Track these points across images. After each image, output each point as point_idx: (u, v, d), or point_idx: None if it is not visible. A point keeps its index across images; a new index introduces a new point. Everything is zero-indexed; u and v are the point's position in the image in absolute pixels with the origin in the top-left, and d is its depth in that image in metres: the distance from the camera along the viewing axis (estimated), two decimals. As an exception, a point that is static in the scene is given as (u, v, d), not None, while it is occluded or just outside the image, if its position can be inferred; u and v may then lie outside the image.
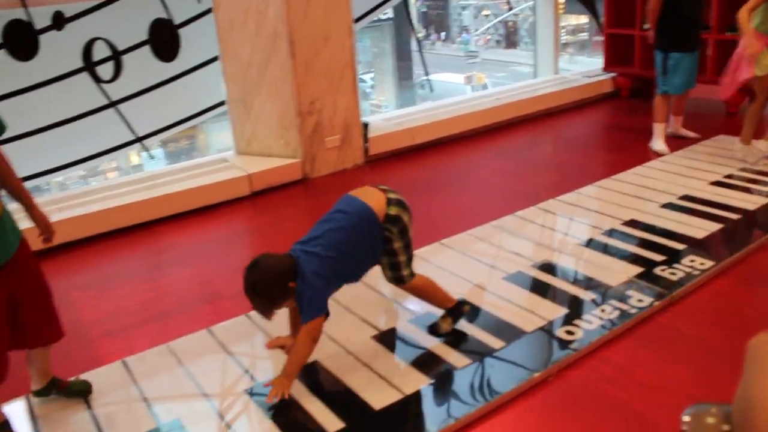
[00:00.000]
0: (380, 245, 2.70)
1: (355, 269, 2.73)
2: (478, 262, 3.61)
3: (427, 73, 6.36)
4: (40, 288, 2.47)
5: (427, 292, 2.93)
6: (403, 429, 2.40)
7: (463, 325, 3.00)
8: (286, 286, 2.50)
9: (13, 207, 2.41)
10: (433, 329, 2.96)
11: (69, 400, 2.69)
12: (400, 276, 2.78)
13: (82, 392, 2.71)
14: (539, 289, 3.30)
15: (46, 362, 2.60)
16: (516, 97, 6.62)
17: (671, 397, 2.49)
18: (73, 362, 2.98)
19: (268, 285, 2.49)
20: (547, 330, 2.93)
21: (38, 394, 2.66)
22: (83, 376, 2.86)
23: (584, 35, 19.23)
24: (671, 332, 2.95)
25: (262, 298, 2.51)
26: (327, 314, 2.59)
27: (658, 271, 3.38)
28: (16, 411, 2.67)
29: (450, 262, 3.61)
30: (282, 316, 2.71)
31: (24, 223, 2.45)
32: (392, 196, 2.73)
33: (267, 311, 2.55)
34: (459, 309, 2.98)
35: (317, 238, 2.61)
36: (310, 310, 2.53)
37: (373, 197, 2.71)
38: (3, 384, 2.39)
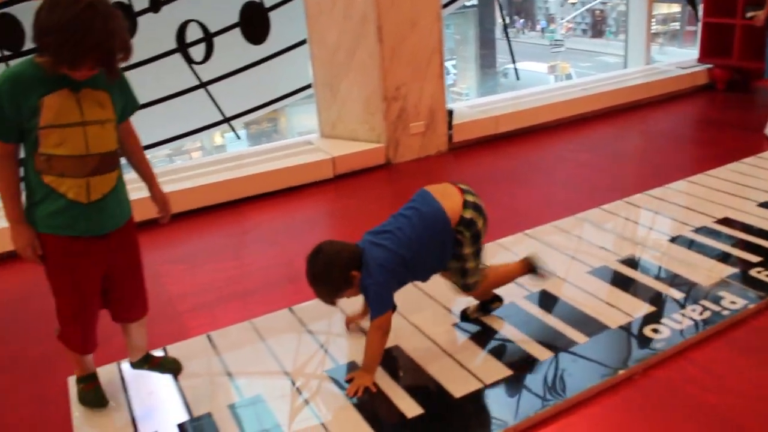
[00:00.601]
0: (450, 249, 2.65)
1: (421, 269, 2.67)
2: (561, 254, 3.55)
3: (513, 61, 6.24)
4: (137, 263, 2.56)
5: (495, 284, 2.91)
6: (482, 418, 2.39)
7: (546, 317, 2.96)
8: (349, 274, 2.49)
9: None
10: (464, 315, 2.99)
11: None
12: (467, 284, 2.73)
13: (172, 370, 2.79)
14: (624, 284, 3.21)
15: (140, 338, 2.70)
16: (604, 87, 6.44)
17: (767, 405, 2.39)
18: (161, 334, 3.09)
19: (331, 272, 2.49)
20: (631, 327, 2.85)
21: (132, 366, 2.77)
22: (170, 348, 2.97)
23: (676, 25, 18.57)
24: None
25: (324, 286, 2.53)
26: (394, 308, 2.58)
27: (753, 272, 3.24)
28: (109, 375, 2.79)
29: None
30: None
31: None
32: (470, 198, 2.67)
33: (329, 299, 2.57)
34: (489, 305, 2.99)
35: (388, 231, 2.58)
36: (377, 306, 2.52)
37: (450, 198, 2.65)
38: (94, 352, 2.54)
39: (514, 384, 2.55)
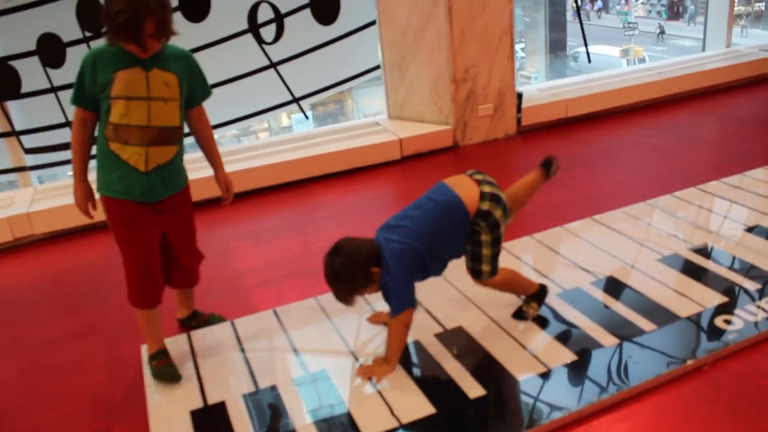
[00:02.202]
0: (466, 240, 2.61)
1: (438, 261, 2.62)
2: (630, 240, 3.48)
3: (585, 44, 6.10)
4: (190, 230, 2.78)
5: (509, 286, 2.83)
6: (543, 402, 2.37)
7: (612, 304, 2.91)
8: (369, 271, 2.46)
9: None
10: (519, 315, 2.88)
11: (227, 342, 2.88)
12: (479, 269, 2.65)
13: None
14: (695, 273, 3.12)
15: (189, 299, 2.98)
16: (681, 71, 6.22)
17: (843, 401, 2.31)
18: (229, 307, 3.18)
19: (352, 270, 2.45)
20: (702, 317, 2.78)
21: (181, 322, 3.02)
22: (237, 321, 3.05)
23: (761, 5, 17.75)
24: None
25: (344, 284, 2.47)
26: (414, 305, 2.53)
27: (834, 265, 3.11)
28: (179, 345, 2.89)
29: (601, 239, 3.50)
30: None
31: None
32: (486, 189, 2.59)
33: (348, 298, 2.51)
34: (542, 293, 2.89)
35: (402, 225, 2.54)
36: (397, 304, 2.49)
37: (466, 189, 2.60)
38: (157, 307, 2.70)
39: (577, 369, 2.52)
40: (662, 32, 20.46)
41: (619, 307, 2.89)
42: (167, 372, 2.69)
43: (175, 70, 2.47)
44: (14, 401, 2.77)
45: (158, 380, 2.69)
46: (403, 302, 2.49)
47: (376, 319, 2.94)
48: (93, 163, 2.55)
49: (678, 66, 6.42)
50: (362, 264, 2.45)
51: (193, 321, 3.04)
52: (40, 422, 2.62)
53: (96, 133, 2.52)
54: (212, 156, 2.79)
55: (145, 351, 2.84)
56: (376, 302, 2.98)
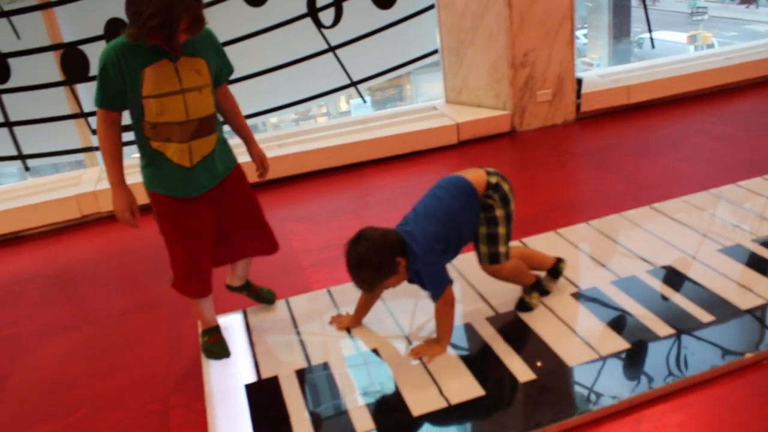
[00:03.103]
0: (478, 217, 2.61)
1: (456, 242, 2.63)
2: (690, 230, 3.39)
3: (650, 29, 5.94)
4: (251, 203, 2.71)
5: (523, 271, 2.81)
6: (594, 389, 2.36)
7: (669, 293, 2.86)
8: (394, 260, 2.45)
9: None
10: (523, 306, 2.85)
11: (281, 319, 2.94)
12: (496, 252, 2.64)
13: (267, 300, 3.06)
14: (759, 265, 3.03)
15: (245, 269, 2.92)
16: (751, 57, 6.00)
17: None
18: (285, 286, 3.24)
19: (378, 256, 2.43)
20: (765, 310, 2.70)
21: (231, 288, 2.99)
22: (292, 300, 3.11)
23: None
24: None
25: (369, 271, 2.44)
26: (451, 281, 2.56)
27: None
28: (234, 322, 2.97)
29: (659, 228, 3.43)
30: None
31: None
32: (491, 170, 2.67)
33: (371, 285, 2.50)
34: (558, 267, 2.91)
35: (416, 218, 2.57)
36: (436, 286, 2.50)
37: (471, 172, 2.67)
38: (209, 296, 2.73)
39: (630, 358, 2.49)
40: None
41: (676, 297, 2.83)
42: (217, 348, 2.77)
43: (202, 53, 2.35)
44: (78, 370, 2.89)
45: (208, 356, 2.77)
46: (440, 282, 2.51)
47: (337, 321, 2.91)
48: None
49: (747, 51, 6.20)
50: (389, 252, 2.45)
51: (245, 291, 3.00)
52: (101, 391, 2.73)
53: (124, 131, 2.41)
54: (244, 132, 2.69)
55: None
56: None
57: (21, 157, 4.79)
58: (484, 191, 2.61)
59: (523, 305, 2.84)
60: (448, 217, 2.56)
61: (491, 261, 2.67)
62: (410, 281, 2.59)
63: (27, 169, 4.81)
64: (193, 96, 2.34)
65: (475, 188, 2.60)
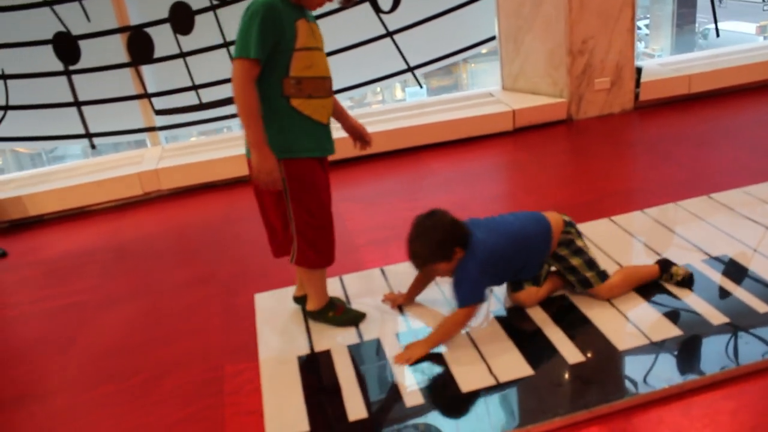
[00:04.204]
0: (542, 256, 2.69)
1: (517, 269, 2.69)
2: (750, 221, 3.33)
3: (715, 19, 5.80)
4: None
5: (630, 283, 2.80)
6: (644, 373, 2.35)
7: (725, 283, 2.82)
8: (453, 248, 2.47)
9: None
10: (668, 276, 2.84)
11: (335, 296, 2.99)
12: (584, 278, 2.71)
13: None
14: (821, 258, 2.97)
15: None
16: (821, 48, 5.83)
17: None
18: (338, 264, 3.27)
19: (439, 236, 2.45)
20: (824, 301, 2.65)
21: (298, 300, 2.96)
22: (345, 277, 3.17)
23: None
24: None
25: (425, 247, 2.46)
26: (483, 300, 2.57)
27: None
28: (286, 297, 3.04)
29: (717, 218, 3.38)
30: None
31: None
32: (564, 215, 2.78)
33: (423, 261, 2.50)
34: (668, 270, 2.84)
35: (490, 228, 2.60)
36: (469, 296, 2.52)
37: (549, 214, 2.74)
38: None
39: (683, 345, 2.47)
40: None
41: (732, 287, 2.79)
42: (352, 315, 2.83)
43: (315, 21, 2.44)
44: (138, 338, 3.02)
45: (346, 325, 2.79)
46: (475, 295, 2.53)
47: (390, 298, 2.94)
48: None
49: (817, 43, 6.00)
50: (452, 237, 2.47)
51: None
52: (158, 358, 2.84)
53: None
54: (338, 107, 2.70)
55: (260, 298, 3.01)
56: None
57: (88, 135, 4.97)
58: (563, 228, 2.70)
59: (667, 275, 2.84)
60: (519, 238, 2.62)
61: (584, 286, 2.74)
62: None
63: (93, 147, 4.99)
64: (324, 55, 2.42)
65: (550, 225, 2.67)
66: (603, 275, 2.74)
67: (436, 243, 2.47)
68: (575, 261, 2.71)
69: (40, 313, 3.36)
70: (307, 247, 2.58)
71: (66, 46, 4.74)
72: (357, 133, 2.78)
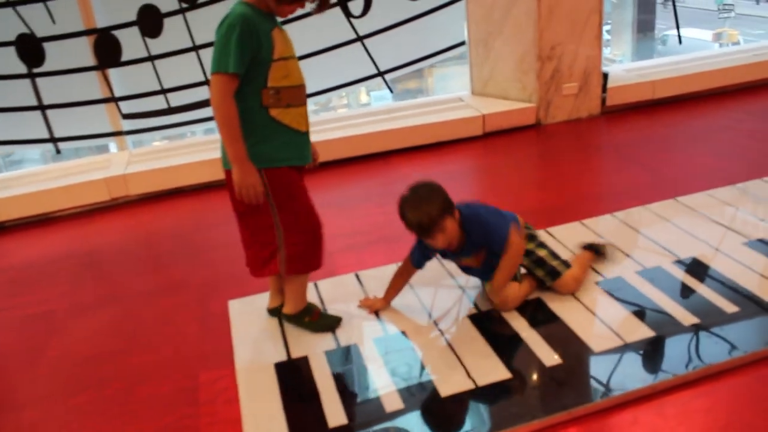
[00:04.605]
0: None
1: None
2: (715, 223, 3.41)
3: (677, 26, 5.91)
4: None
5: (585, 268, 2.98)
6: (621, 373, 2.39)
7: (694, 284, 2.88)
8: (453, 204, 2.57)
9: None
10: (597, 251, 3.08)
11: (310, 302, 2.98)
12: (553, 268, 2.82)
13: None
14: (785, 259, 3.06)
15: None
16: (779, 54, 5.99)
17: None
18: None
19: (440, 194, 2.54)
20: (790, 302, 2.73)
21: (272, 312, 2.94)
22: (320, 283, 3.16)
23: None
24: None
25: (436, 206, 2.50)
26: (515, 219, 2.80)
27: None
28: (262, 303, 3.02)
29: (684, 221, 3.45)
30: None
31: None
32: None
33: (432, 223, 2.50)
34: (598, 250, 3.08)
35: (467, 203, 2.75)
36: (501, 222, 2.69)
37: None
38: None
39: (655, 345, 2.52)
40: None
41: (701, 288, 2.86)
42: (328, 320, 2.83)
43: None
44: (111, 346, 2.97)
45: (322, 331, 2.79)
46: (504, 217, 2.73)
47: (366, 304, 2.97)
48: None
49: (776, 49, 6.17)
50: (445, 196, 2.56)
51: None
52: (132, 366, 2.80)
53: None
54: None
55: (233, 305, 2.99)
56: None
57: (53, 140, 4.88)
58: (525, 224, 2.87)
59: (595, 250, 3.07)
60: (492, 208, 2.78)
61: (552, 277, 2.83)
62: (457, 255, 2.72)
63: (58, 151, 4.91)
64: (297, 63, 2.43)
65: (515, 215, 2.84)
66: (566, 263, 2.86)
67: (442, 199, 2.54)
68: (542, 252, 2.83)
69: (7, 321, 3.29)
70: (295, 254, 2.59)
71: (30, 48, 4.64)
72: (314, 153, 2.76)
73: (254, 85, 2.32)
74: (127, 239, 4.09)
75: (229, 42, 2.22)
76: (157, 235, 4.09)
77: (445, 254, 2.81)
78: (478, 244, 2.68)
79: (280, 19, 2.42)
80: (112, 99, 4.88)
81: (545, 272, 2.81)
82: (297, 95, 2.41)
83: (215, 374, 2.67)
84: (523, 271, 2.87)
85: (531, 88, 5.12)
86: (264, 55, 2.29)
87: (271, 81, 2.32)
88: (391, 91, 5.39)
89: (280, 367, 2.62)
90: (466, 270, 2.89)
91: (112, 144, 5.58)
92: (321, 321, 2.82)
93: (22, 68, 4.72)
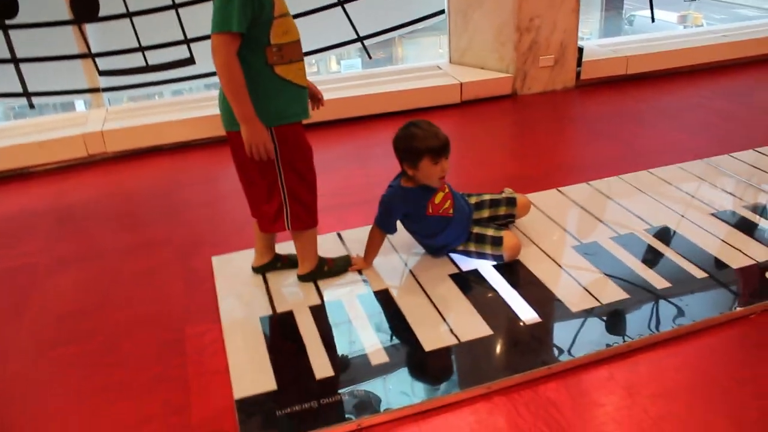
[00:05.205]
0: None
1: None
2: (685, 194, 3.54)
3: (651, 7, 6.01)
4: None
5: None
6: (598, 332, 2.50)
7: (665, 250, 3.00)
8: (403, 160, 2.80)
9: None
10: None
11: (292, 261, 3.02)
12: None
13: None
14: (750, 230, 3.19)
15: (273, 240, 2.96)
16: (747, 35, 6.13)
17: None
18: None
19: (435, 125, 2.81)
20: (753, 269, 2.86)
21: (259, 269, 2.99)
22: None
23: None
24: None
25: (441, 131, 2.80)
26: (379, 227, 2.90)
27: None
28: (246, 260, 3.06)
29: (656, 191, 3.57)
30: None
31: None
32: None
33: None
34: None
35: None
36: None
37: None
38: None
39: (628, 307, 2.63)
40: None
41: (672, 254, 2.98)
42: (342, 261, 2.96)
43: None
44: (93, 300, 2.97)
45: (342, 273, 2.92)
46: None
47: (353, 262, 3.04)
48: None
49: (744, 30, 6.32)
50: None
51: (278, 263, 3.00)
52: (116, 321, 2.81)
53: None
54: None
55: (217, 261, 3.03)
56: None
57: (27, 94, 4.80)
58: None
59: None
60: None
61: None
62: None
63: (32, 106, 4.82)
64: (292, 18, 2.42)
65: None
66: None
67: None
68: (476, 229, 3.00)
69: (-15, 274, 3.28)
70: (300, 208, 2.65)
71: None
72: (311, 93, 2.76)
73: (257, 43, 2.31)
74: (106, 196, 4.07)
75: (231, 1, 2.19)
76: (136, 193, 4.08)
77: (423, 203, 2.87)
78: None
79: None
80: (89, 55, 4.80)
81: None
82: (297, 50, 2.42)
83: (201, 328, 2.70)
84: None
85: (508, 58, 5.18)
86: (266, 13, 2.28)
87: (273, 38, 2.32)
88: (370, 57, 5.40)
89: (265, 321, 2.67)
90: (441, 229, 2.95)
91: (79, 102, 5.51)
92: (337, 264, 2.93)
93: (-6, 20, 4.61)
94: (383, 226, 2.91)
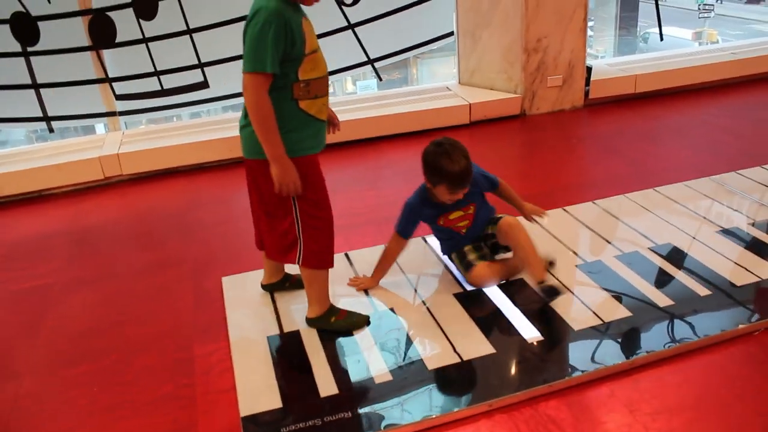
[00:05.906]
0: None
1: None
2: (691, 212, 3.56)
3: (659, 23, 6.05)
4: None
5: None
6: (599, 350, 2.52)
7: (669, 268, 3.03)
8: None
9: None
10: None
11: (300, 281, 3.05)
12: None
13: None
14: (756, 247, 3.20)
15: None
16: (756, 52, 6.15)
17: None
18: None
19: (462, 147, 2.87)
20: (759, 286, 2.87)
21: (268, 287, 3.05)
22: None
23: None
24: None
25: (466, 157, 2.85)
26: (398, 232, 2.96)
27: None
28: (255, 280, 3.12)
29: (662, 210, 3.60)
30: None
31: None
32: None
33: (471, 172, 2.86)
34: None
35: None
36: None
37: None
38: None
39: (632, 325, 2.66)
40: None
41: (676, 272, 3.00)
42: (353, 318, 2.78)
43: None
44: (106, 320, 3.05)
45: (350, 329, 2.74)
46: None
47: (357, 282, 3.09)
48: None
49: (753, 47, 6.34)
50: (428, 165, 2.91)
51: (287, 282, 3.03)
52: (130, 338, 2.89)
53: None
54: None
55: (227, 282, 3.09)
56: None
57: (47, 118, 4.92)
58: None
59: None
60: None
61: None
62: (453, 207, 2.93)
63: (51, 130, 4.94)
64: (322, 53, 2.41)
65: None
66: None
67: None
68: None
69: (3, 295, 3.36)
70: (312, 243, 2.59)
71: (24, 27, 4.68)
72: (328, 119, 2.78)
73: (286, 79, 2.30)
74: (121, 217, 4.16)
75: (266, 39, 2.18)
76: (150, 214, 4.17)
77: (437, 214, 2.95)
78: (477, 192, 2.93)
79: (305, 8, 2.39)
80: (107, 80, 4.92)
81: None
82: (323, 85, 2.42)
83: (210, 347, 2.76)
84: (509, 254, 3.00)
85: (517, 79, 5.24)
86: (298, 51, 2.27)
87: (301, 74, 2.32)
88: (380, 79, 5.48)
89: (272, 340, 2.72)
90: (449, 237, 3.02)
91: (99, 126, 5.62)
92: (349, 319, 2.77)
93: (16, 47, 4.75)
94: (402, 228, 2.96)
